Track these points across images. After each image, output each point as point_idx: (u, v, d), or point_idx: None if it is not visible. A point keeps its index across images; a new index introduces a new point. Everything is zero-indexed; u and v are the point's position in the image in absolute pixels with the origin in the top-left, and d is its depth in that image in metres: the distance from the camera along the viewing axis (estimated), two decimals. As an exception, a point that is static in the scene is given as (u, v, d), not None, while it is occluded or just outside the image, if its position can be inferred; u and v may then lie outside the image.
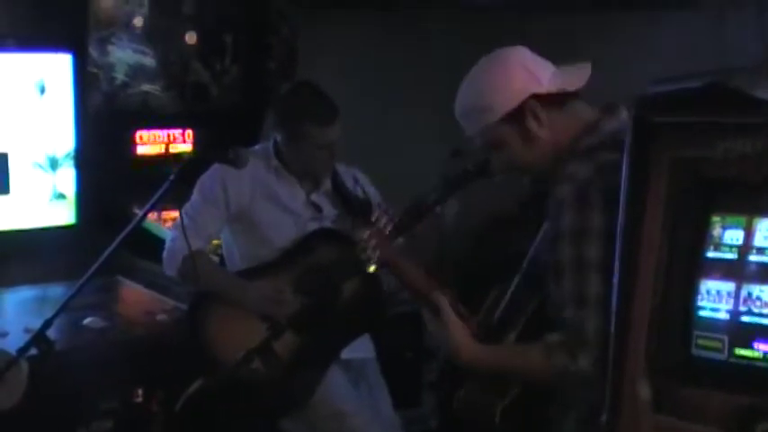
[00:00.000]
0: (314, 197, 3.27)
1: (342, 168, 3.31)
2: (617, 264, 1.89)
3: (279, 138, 3.21)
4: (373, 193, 3.34)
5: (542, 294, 2.14)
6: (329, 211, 3.27)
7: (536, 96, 2.13)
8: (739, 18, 3.09)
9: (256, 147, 3.30)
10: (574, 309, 2.02)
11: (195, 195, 3.17)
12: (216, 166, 3.14)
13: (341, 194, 3.28)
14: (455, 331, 2.17)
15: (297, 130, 3.14)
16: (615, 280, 1.89)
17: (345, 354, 3.18)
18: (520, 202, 3.45)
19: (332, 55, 4.16)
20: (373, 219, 2.88)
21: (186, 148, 3.93)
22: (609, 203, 1.97)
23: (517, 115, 2.14)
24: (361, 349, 3.29)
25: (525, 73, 2.16)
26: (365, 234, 2.83)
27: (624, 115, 2.14)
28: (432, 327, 2.28)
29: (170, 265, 3.14)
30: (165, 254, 3.15)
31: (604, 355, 1.94)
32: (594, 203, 2.01)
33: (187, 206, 3.08)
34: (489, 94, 2.17)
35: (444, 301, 2.22)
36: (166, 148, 3.89)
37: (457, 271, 2.25)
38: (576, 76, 2.19)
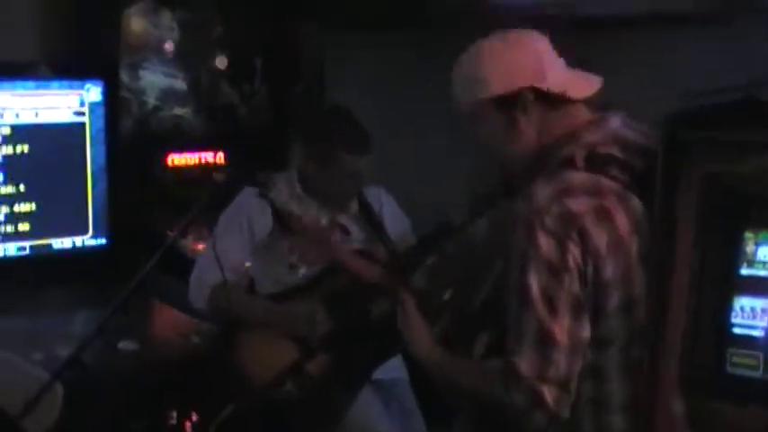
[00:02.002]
0: (342, 219, 3.26)
1: (368, 190, 3.29)
2: (650, 280, 1.88)
3: (306, 161, 3.19)
4: (400, 216, 3.33)
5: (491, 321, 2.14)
6: (357, 233, 3.26)
7: (535, 90, 2.07)
8: (766, 33, 3.07)
9: (281, 174, 3.29)
10: (514, 339, 1.96)
11: (219, 228, 3.17)
12: (239, 198, 3.15)
13: (368, 216, 3.28)
14: (416, 330, 2.24)
15: (328, 156, 3.12)
16: (648, 297, 1.88)
17: (376, 374, 3.18)
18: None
19: (360, 77, 4.17)
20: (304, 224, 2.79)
21: (218, 170, 3.95)
22: (561, 232, 1.93)
23: (509, 101, 2.07)
24: (392, 369, 3.28)
25: (533, 62, 2.09)
26: (295, 241, 2.74)
27: (614, 124, 2.08)
28: (400, 322, 2.32)
29: (197, 298, 3.14)
30: (191, 287, 3.16)
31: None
32: (545, 230, 1.94)
33: (212, 239, 3.10)
34: (491, 69, 2.10)
35: (409, 299, 2.27)
36: (198, 171, 3.91)
37: (496, 290, 2.25)
38: (583, 86, 2.13)
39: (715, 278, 1.83)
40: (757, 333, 1.79)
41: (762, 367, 1.78)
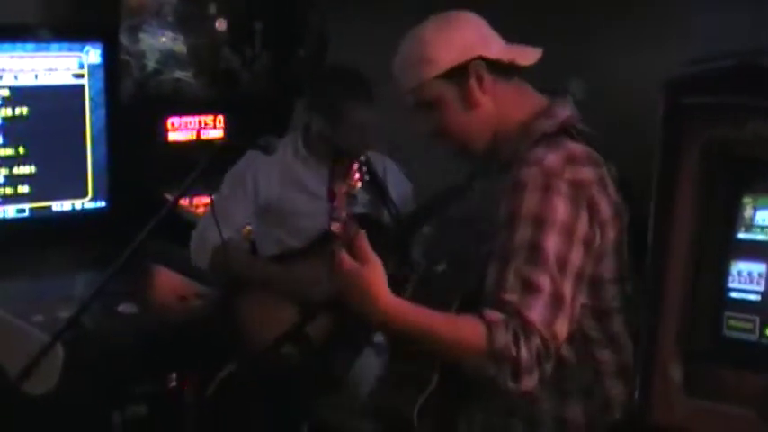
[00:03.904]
0: (346, 183, 3.26)
1: (372, 155, 3.29)
2: (649, 245, 1.88)
3: (312, 120, 3.19)
4: (403, 180, 3.33)
5: (470, 284, 2.00)
6: (361, 196, 3.27)
7: (484, 60, 2.04)
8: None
9: (285, 137, 3.30)
10: (521, 293, 1.85)
11: (224, 185, 3.18)
12: (246, 157, 3.15)
13: (372, 180, 3.28)
14: (377, 274, 1.83)
15: (334, 107, 3.11)
16: (647, 262, 1.89)
17: (378, 336, 3.19)
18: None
19: (363, 42, 4.15)
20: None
21: (217, 134, 3.95)
22: (575, 198, 1.90)
23: (461, 73, 2.04)
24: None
25: (477, 34, 2.07)
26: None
27: (571, 102, 2.09)
28: (342, 270, 1.87)
29: (199, 257, 3.15)
30: (192, 246, 3.17)
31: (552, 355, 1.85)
32: (562, 195, 1.90)
33: (216, 196, 3.09)
34: (436, 46, 2.05)
35: (365, 238, 1.84)
36: (198, 135, 3.91)
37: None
38: (527, 54, 2.10)
39: (713, 243, 1.84)
40: (754, 297, 1.79)
41: (757, 331, 1.78)
